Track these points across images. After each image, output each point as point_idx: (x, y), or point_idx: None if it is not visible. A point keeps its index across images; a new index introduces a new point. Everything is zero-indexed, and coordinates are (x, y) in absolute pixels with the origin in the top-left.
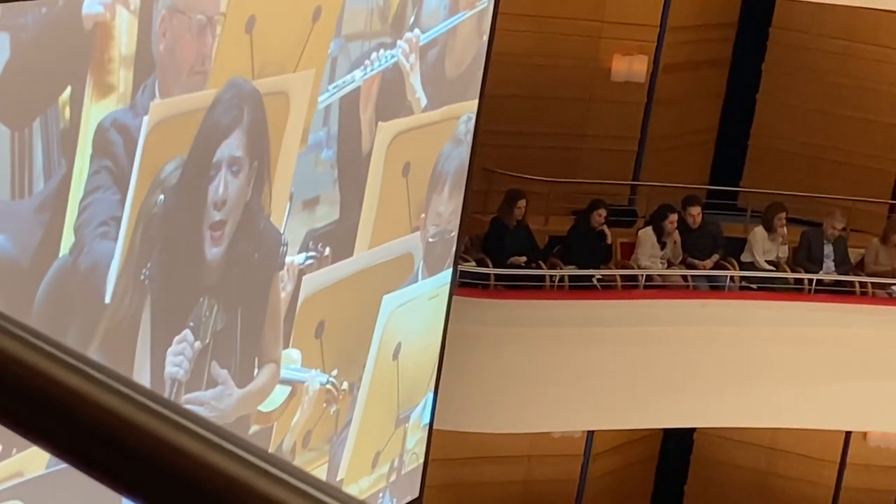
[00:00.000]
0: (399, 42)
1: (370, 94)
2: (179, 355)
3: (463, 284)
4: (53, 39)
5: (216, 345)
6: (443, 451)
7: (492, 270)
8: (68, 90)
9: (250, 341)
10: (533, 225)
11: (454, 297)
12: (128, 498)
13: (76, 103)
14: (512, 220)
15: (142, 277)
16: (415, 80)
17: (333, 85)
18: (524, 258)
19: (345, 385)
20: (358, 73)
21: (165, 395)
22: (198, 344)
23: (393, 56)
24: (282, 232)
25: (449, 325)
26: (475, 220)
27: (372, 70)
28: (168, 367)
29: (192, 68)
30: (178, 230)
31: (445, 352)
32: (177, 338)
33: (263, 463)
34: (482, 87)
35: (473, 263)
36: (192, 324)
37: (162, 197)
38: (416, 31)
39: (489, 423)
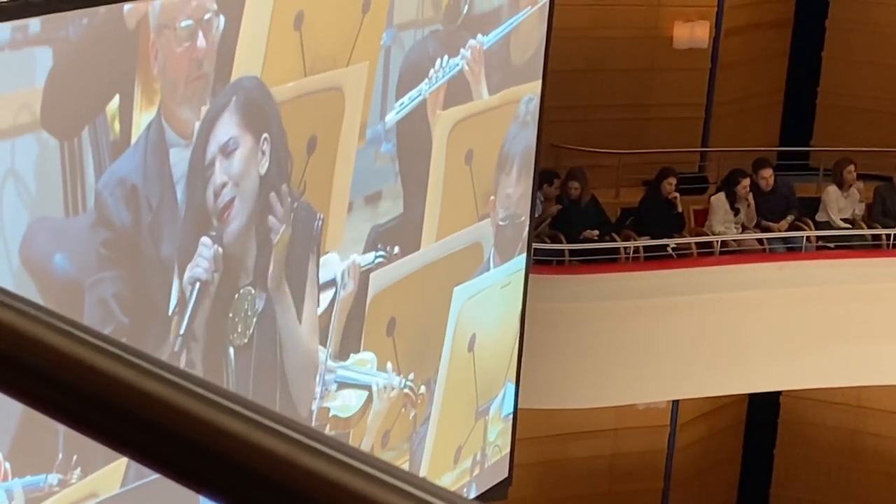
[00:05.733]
0: (462, 51)
1: (436, 102)
2: (199, 257)
3: (538, 262)
4: (97, 48)
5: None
6: (529, 429)
7: (566, 246)
8: (116, 98)
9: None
10: (603, 198)
11: (530, 276)
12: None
13: (125, 111)
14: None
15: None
16: (482, 87)
17: (399, 102)
18: (596, 232)
19: (422, 389)
20: (424, 86)
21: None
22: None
23: (457, 65)
24: (344, 229)
25: (527, 305)
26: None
27: (437, 81)
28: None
29: (188, 76)
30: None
31: (525, 332)
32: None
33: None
34: (545, 65)
35: (548, 241)
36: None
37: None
38: (480, 37)
39: (573, 399)
